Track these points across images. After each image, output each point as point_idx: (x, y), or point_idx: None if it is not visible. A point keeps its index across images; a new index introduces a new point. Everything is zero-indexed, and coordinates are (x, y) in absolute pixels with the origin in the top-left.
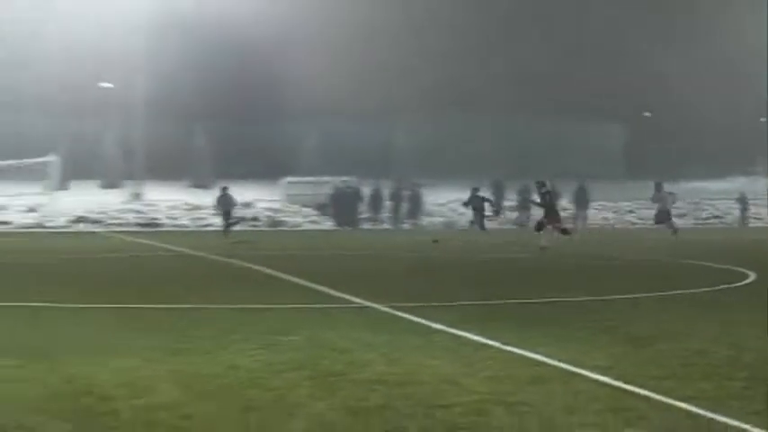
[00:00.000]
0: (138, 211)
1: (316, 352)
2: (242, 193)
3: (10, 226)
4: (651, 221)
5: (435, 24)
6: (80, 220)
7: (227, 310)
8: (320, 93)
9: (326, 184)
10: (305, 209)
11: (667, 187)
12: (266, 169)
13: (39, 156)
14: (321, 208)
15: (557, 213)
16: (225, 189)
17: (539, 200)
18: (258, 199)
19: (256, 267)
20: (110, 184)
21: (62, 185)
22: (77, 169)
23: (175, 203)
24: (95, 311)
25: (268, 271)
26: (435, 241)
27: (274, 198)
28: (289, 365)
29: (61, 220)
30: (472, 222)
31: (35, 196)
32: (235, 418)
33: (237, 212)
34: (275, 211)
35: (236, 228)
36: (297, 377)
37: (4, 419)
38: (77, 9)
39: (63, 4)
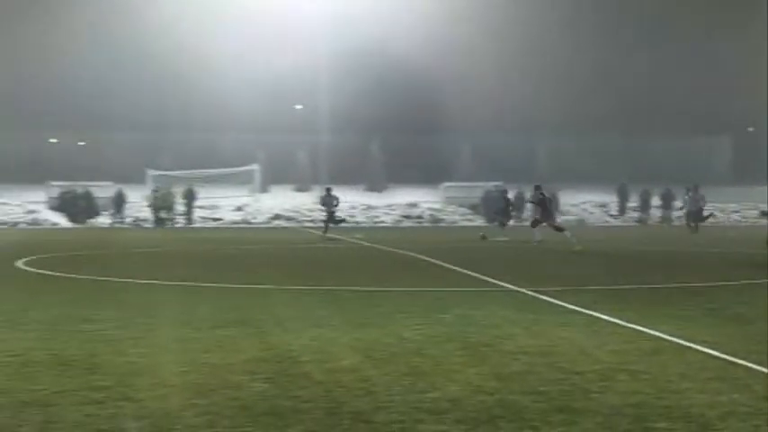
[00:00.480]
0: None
1: (467, 327)
2: (409, 195)
3: (222, 222)
4: (752, 220)
5: (570, 53)
6: (277, 217)
7: (396, 292)
8: (475, 109)
9: (478, 188)
10: (460, 208)
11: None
12: (429, 175)
13: (244, 165)
14: (474, 208)
15: (551, 212)
16: (329, 190)
17: (534, 200)
18: (422, 200)
19: (420, 257)
20: (301, 187)
21: (263, 189)
22: (275, 176)
23: (354, 204)
24: (295, 291)
25: (430, 260)
26: (483, 237)
27: (435, 199)
28: (445, 338)
29: (262, 217)
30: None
31: (242, 198)
32: (404, 380)
33: (375, 213)
34: (436, 210)
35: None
36: (452, 348)
37: (212, 379)
38: (275, 42)
39: (264, 37)
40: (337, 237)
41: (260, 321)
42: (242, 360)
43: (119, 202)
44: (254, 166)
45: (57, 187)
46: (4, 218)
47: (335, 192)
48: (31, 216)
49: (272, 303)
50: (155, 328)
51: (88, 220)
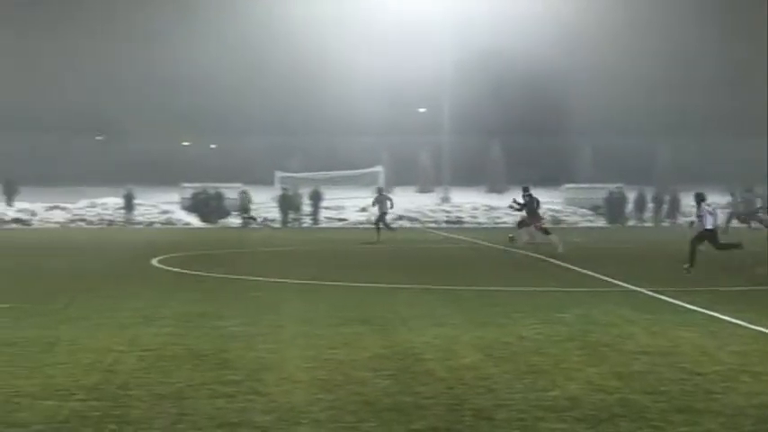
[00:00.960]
0: (447, 211)
1: (586, 326)
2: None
3: (346, 222)
4: None
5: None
6: (401, 217)
7: (516, 291)
8: (594, 112)
9: (600, 190)
10: (581, 210)
11: None
12: (549, 176)
13: (369, 167)
14: (595, 209)
15: (538, 214)
16: (380, 191)
17: (522, 201)
18: (543, 202)
19: (539, 257)
20: (424, 189)
21: (387, 190)
22: (399, 177)
23: (475, 205)
24: (417, 290)
25: (549, 260)
26: (512, 238)
27: (556, 201)
28: (564, 337)
29: (387, 218)
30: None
31: (366, 199)
32: (524, 378)
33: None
34: (557, 211)
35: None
36: (571, 347)
37: (337, 375)
38: (399, 46)
39: (388, 41)
40: (458, 237)
41: (383, 319)
42: (366, 357)
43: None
44: (379, 168)
45: (189, 188)
46: (141, 218)
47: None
48: (165, 216)
49: (395, 302)
50: (282, 324)
51: (219, 221)
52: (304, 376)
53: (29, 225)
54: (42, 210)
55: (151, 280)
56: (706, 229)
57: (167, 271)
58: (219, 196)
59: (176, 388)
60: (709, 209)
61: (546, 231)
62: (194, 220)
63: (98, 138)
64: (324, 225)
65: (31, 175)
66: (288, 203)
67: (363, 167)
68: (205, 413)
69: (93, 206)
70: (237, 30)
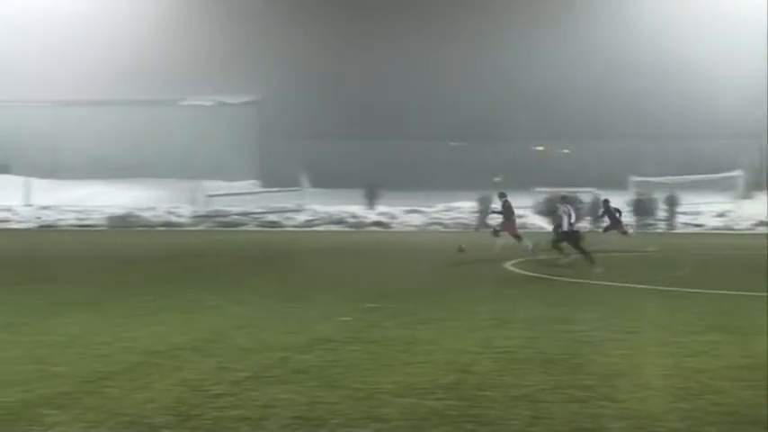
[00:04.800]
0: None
1: None
2: None
3: (702, 228)
4: None
5: None
6: (761, 224)
7: None
8: None
9: None
10: None
11: None
12: None
13: (727, 171)
14: None
15: (513, 221)
16: (502, 195)
17: (499, 208)
18: None
19: None
20: None
21: (746, 195)
22: (759, 181)
23: None
24: None
25: None
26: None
27: None
28: None
29: (745, 224)
30: None
31: (724, 204)
32: None
33: None
34: None
35: None
36: None
37: (694, 383)
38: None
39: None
40: None
41: (741, 328)
42: (723, 366)
43: (596, 208)
44: (737, 173)
45: (542, 193)
46: (491, 222)
47: None
48: (519, 221)
49: (752, 310)
50: (635, 330)
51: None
52: (659, 384)
53: (388, 228)
54: (401, 213)
55: (505, 283)
56: (562, 231)
57: (521, 274)
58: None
59: (530, 390)
60: (567, 210)
61: (518, 238)
62: (548, 225)
63: (453, 144)
64: (680, 231)
65: (392, 180)
66: (642, 208)
67: (721, 172)
68: (559, 417)
69: (449, 210)
70: (599, 36)
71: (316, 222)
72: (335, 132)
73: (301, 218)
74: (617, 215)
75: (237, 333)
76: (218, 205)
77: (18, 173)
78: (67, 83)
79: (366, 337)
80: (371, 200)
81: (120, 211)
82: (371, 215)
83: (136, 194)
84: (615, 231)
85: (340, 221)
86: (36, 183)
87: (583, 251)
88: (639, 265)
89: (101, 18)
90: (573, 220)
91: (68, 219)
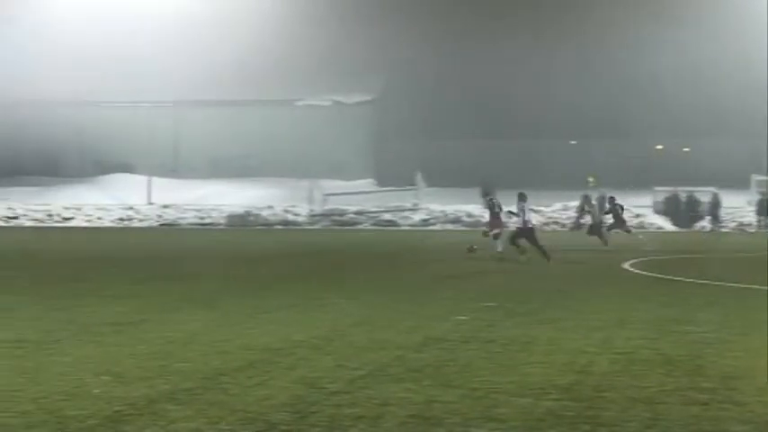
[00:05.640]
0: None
1: None
2: None
3: None
4: None
5: None
6: None
7: None
8: None
9: None
10: None
11: None
12: None
13: None
14: None
15: (500, 220)
16: (586, 197)
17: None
18: None
19: None
20: None
21: None
22: None
23: None
24: None
25: None
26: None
27: None
28: None
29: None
30: None
31: None
32: None
33: None
34: None
35: None
36: None
37: None
38: None
39: None
40: None
41: None
42: None
43: (715, 206)
44: None
45: (662, 192)
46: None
47: None
48: (637, 220)
49: None
50: (755, 332)
51: (692, 225)
52: None
53: (505, 227)
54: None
55: (623, 283)
56: (520, 228)
57: (639, 274)
58: (693, 200)
59: (649, 392)
60: (525, 208)
61: (496, 237)
62: (666, 224)
63: (572, 142)
64: None
65: (509, 178)
66: (766, 208)
67: None
68: (678, 419)
69: (566, 209)
70: (719, 26)
71: (431, 221)
72: (451, 131)
73: (417, 217)
74: (621, 213)
75: (354, 331)
76: (335, 204)
77: (140, 172)
78: (188, 84)
79: (483, 337)
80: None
81: (238, 210)
82: (487, 214)
83: (254, 193)
84: (618, 230)
85: (456, 220)
86: (157, 182)
87: (539, 247)
88: (758, 266)
89: (219, 19)
90: (528, 217)
91: (188, 217)
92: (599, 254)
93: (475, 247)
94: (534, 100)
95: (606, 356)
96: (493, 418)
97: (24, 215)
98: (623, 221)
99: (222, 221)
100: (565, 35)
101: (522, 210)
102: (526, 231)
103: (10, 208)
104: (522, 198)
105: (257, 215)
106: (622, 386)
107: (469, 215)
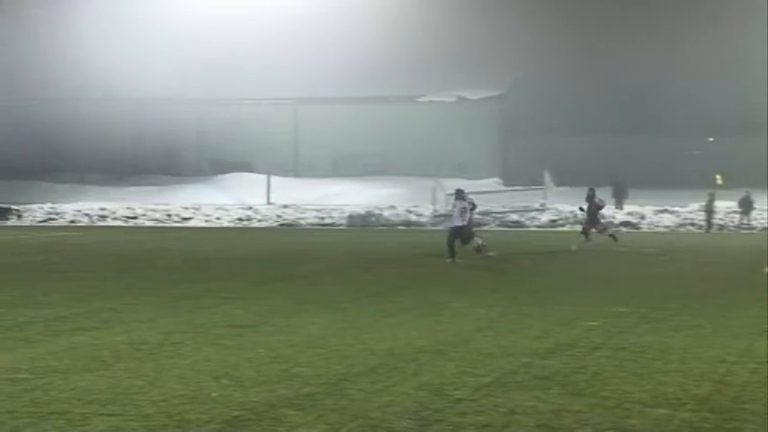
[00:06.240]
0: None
1: None
2: None
3: None
4: None
5: None
6: None
7: None
8: None
9: None
10: None
11: None
12: None
13: None
14: None
15: (471, 219)
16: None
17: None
18: None
19: None
20: None
21: None
22: None
23: None
24: None
25: None
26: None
27: None
28: None
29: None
30: None
31: None
32: None
33: None
34: None
35: None
36: None
37: None
38: None
39: None
40: None
41: None
42: None
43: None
44: None
45: None
46: (754, 222)
47: None
48: None
49: None
50: None
51: None
52: None
53: (637, 228)
54: (651, 213)
55: (764, 288)
56: (455, 226)
57: None
58: None
59: None
60: (462, 206)
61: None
62: None
63: (710, 140)
64: None
65: (642, 177)
66: None
67: None
68: None
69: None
70: None
71: (560, 222)
72: (581, 127)
73: (545, 217)
74: (598, 211)
75: (479, 336)
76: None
77: (260, 171)
78: (307, 80)
79: (615, 344)
80: (619, 198)
81: (359, 210)
82: (619, 215)
83: (375, 193)
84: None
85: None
86: (277, 181)
87: (463, 244)
88: None
89: (341, 13)
90: (467, 216)
91: (308, 217)
92: (739, 256)
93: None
94: (672, 94)
95: (747, 366)
96: (625, 429)
97: (143, 215)
98: (596, 220)
99: (343, 222)
100: (710, 26)
101: (464, 209)
102: (456, 231)
103: (129, 208)
104: (458, 195)
105: (379, 215)
106: (764, 398)
107: (601, 216)
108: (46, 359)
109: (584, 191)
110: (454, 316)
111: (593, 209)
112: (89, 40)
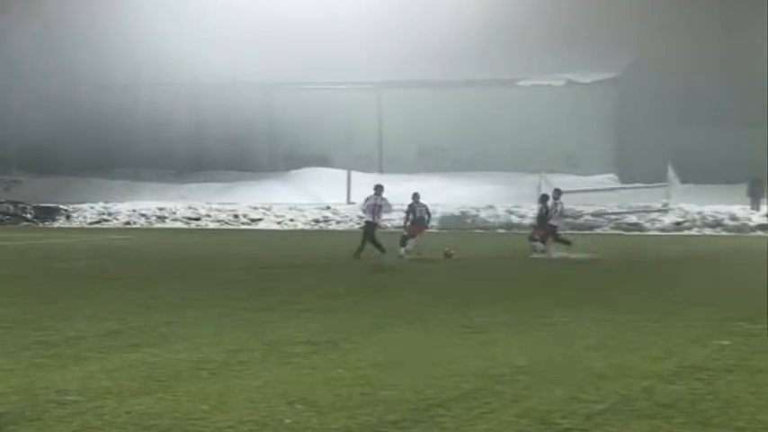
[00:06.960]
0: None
1: None
2: None
3: None
4: None
5: None
6: None
7: None
8: None
9: None
10: None
11: None
12: None
13: None
14: None
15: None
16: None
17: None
18: None
19: None
20: None
21: None
22: None
23: None
24: None
25: None
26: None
27: None
28: None
29: None
30: None
31: None
32: None
33: None
34: None
35: None
36: None
37: None
38: None
39: None
40: None
41: None
42: None
43: None
44: None
45: None
46: None
47: None
48: None
49: None
50: None
51: None
52: None
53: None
54: None
55: None
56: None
57: None
58: None
59: None
60: (373, 203)
61: (411, 236)
62: None
63: None
64: None
65: None
66: None
67: None
68: None
69: None
70: None
71: (686, 225)
72: (711, 116)
73: (668, 219)
74: (549, 214)
75: (589, 355)
76: (569, 204)
77: (339, 166)
78: (391, 62)
79: (749, 366)
80: (756, 198)
81: (453, 211)
82: (756, 217)
83: (471, 190)
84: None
85: (716, 224)
86: (358, 177)
87: (371, 243)
88: None
89: None
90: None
91: (393, 219)
92: None
93: (451, 251)
94: None
95: None
96: None
97: (207, 216)
98: (545, 224)
99: (434, 223)
100: None
101: (374, 205)
102: (369, 225)
103: (191, 207)
104: (414, 198)
105: (475, 216)
106: None
107: (733, 217)
108: (98, 379)
109: (713, 189)
110: (559, 332)
111: (543, 211)
112: (147, 19)
